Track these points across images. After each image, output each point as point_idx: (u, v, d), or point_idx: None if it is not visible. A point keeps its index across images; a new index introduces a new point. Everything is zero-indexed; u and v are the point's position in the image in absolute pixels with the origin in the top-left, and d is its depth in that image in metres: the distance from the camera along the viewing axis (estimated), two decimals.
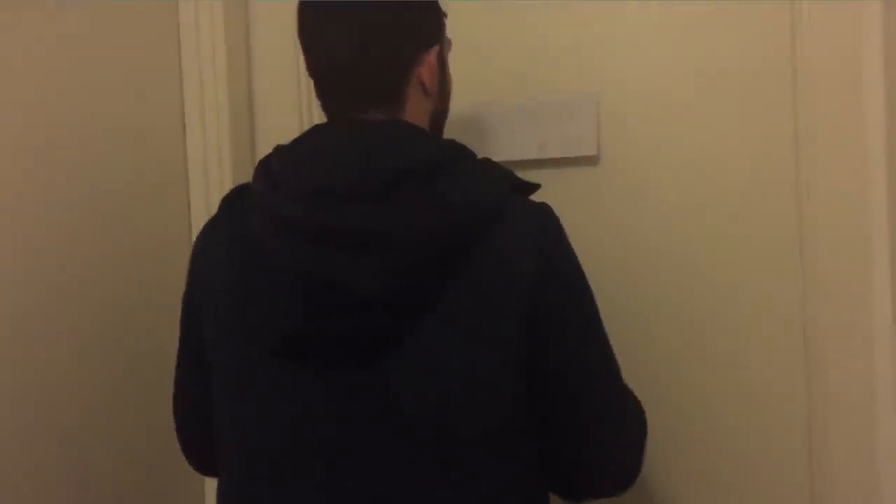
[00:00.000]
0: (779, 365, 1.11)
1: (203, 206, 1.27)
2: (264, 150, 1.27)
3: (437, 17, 0.91)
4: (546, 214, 0.82)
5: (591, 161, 1.17)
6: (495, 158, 1.16)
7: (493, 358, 0.78)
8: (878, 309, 1.05)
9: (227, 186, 1.25)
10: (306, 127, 1.24)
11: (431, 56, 0.87)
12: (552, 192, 1.13)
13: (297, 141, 0.84)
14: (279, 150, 0.85)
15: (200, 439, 0.92)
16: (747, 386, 1.13)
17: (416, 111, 0.87)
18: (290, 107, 1.28)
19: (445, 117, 0.95)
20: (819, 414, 1.09)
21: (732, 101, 1.12)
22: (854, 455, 1.07)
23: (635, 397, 0.87)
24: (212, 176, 1.28)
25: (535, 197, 0.86)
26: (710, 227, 1.13)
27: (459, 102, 1.17)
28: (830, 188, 1.07)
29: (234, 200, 0.87)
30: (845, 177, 1.06)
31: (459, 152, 0.82)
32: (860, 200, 1.05)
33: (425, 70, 0.86)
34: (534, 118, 1.19)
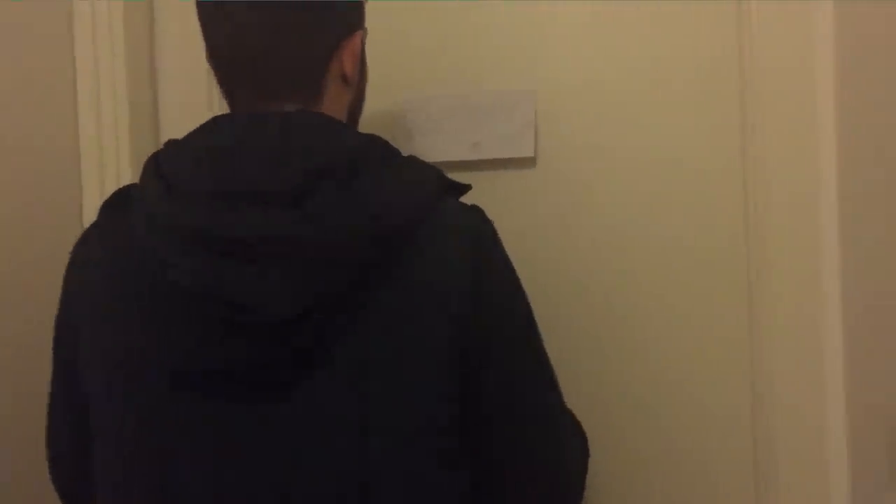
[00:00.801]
0: (724, 366, 1.07)
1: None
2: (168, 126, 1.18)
3: (359, 1, 0.81)
4: (479, 219, 0.76)
5: (527, 163, 1.10)
6: (425, 159, 1.09)
7: (422, 386, 0.69)
8: (828, 308, 1.01)
9: (125, 171, 1.16)
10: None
11: (355, 42, 0.78)
12: (486, 195, 1.09)
13: (193, 134, 0.73)
14: (172, 145, 0.74)
15: (78, 487, 0.80)
16: (691, 391, 1.08)
17: (334, 103, 0.78)
18: (200, 89, 1.16)
19: (362, 108, 0.87)
20: (765, 425, 1.05)
21: (677, 100, 1.07)
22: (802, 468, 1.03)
23: (577, 421, 0.79)
24: (108, 179, 1.15)
25: (468, 200, 0.78)
26: (654, 231, 1.08)
27: (386, 98, 1.10)
28: (779, 184, 1.03)
29: (118, 205, 0.75)
30: (795, 173, 1.03)
31: (383, 149, 0.74)
32: (810, 199, 1.02)
33: (347, 57, 0.77)
34: (467, 116, 1.11)
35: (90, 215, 1.13)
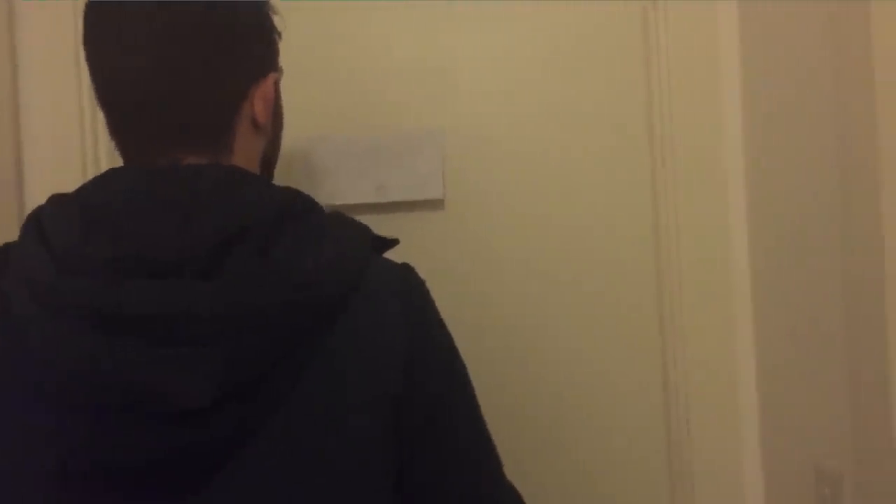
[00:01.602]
0: (639, 393, 1.05)
1: None
2: (34, 194, 1.06)
3: (275, 39, 0.73)
4: (410, 280, 0.69)
5: (436, 205, 1.06)
6: (325, 202, 1.04)
7: (356, 471, 0.62)
8: (739, 331, 1.03)
9: None
10: (94, 163, 1.04)
11: (267, 85, 0.69)
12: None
13: (82, 191, 0.62)
14: (56, 202, 0.63)
15: None
16: (609, 437, 1.05)
17: (245, 152, 0.69)
18: (70, 121, 1.05)
19: (277, 158, 0.78)
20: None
21: (588, 137, 1.05)
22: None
23: (517, 493, 0.72)
24: None
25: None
26: (568, 273, 1.05)
27: (286, 137, 1.01)
28: (691, 232, 1.03)
29: None
30: (705, 198, 1.03)
31: (305, 205, 0.65)
32: (720, 225, 1.03)
33: (259, 102, 0.68)
34: (371, 157, 1.05)
35: None
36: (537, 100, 1.05)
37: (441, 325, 0.70)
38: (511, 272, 1.05)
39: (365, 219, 1.03)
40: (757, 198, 1.00)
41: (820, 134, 0.86)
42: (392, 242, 0.71)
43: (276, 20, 0.73)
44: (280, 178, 1.02)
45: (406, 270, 0.70)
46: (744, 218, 1.02)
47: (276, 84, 0.72)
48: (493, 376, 1.04)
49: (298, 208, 0.64)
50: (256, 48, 0.69)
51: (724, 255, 1.02)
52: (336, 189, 1.05)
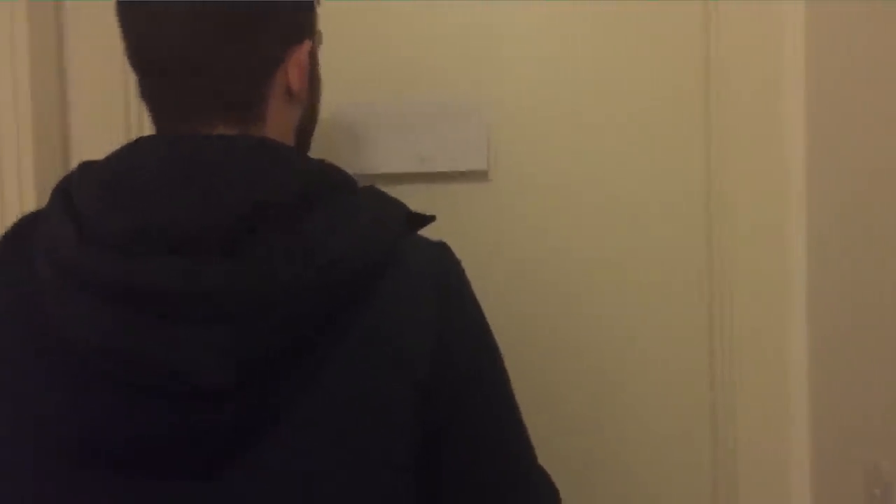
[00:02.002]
0: (685, 385, 1.01)
1: None
2: (80, 151, 1.06)
3: (311, 3, 0.71)
4: (444, 260, 0.66)
5: (479, 176, 1.02)
6: (367, 171, 1.02)
7: (378, 457, 0.60)
8: (794, 329, 0.98)
9: (29, 203, 1.01)
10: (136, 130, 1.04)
11: (302, 52, 0.67)
12: (435, 211, 0.99)
13: (110, 159, 0.61)
14: (84, 170, 0.61)
15: None
16: (651, 429, 1.01)
17: (279, 123, 0.67)
18: (114, 94, 1.04)
19: (313, 129, 0.76)
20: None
21: (636, 107, 1.01)
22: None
23: (550, 480, 0.70)
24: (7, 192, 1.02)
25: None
26: (614, 247, 1.02)
27: (325, 103, 1.00)
28: (744, 197, 0.99)
29: (21, 238, 0.63)
30: (761, 185, 0.98)
31: (337, 180, 0.63)
32: (777, 211, 0.98)
33: (293, 70, 0.66)
34: (414, 126, 1.02)
35: None
36: (588, 72, 1.01)
37: (474, 307, 0.67)
38: (556, 247, 1.02)
39: (407, 189, 1.03)
40: (817, 195, 0.95)
41: (886, 135, 0.80)
42: (428, 219, 0.69)
43: None
44: (321, 145, 1.01)
45: (441, 249, 0.67)
46: (803, 212, 0.97)
47: (313, 51, 0.70)
48: (534, 355, 1.02)
49: (329, 183, 0.62)
50: (292, 14, 0.67)
51: (780, 247, 0.98)
52: (378, 158, 1.02)
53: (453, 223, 1.01)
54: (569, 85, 1.01)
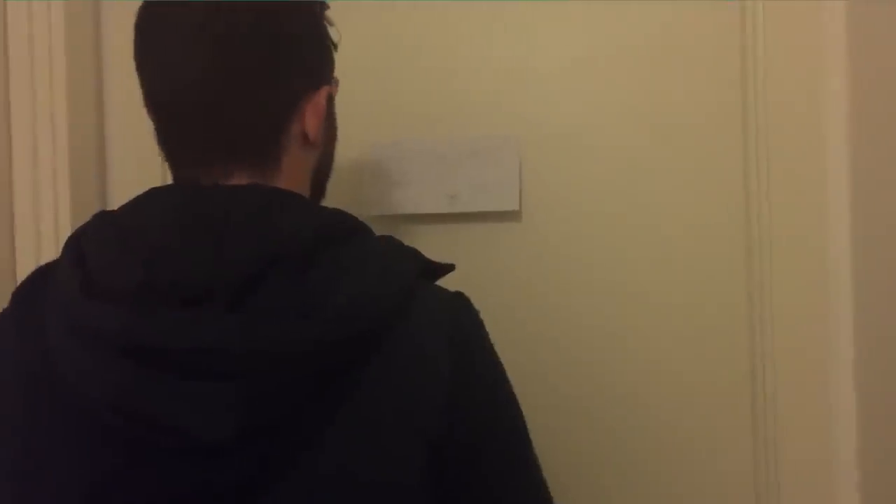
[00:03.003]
0: (728, 434, 0.97)
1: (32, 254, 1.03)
2: (116, 182, 1.07)
3: (328, 49, 0.71)
4: (459, 311, 0.64)
5: (511, 216, 1.00)
6: (396, 211, 1.00)
7: None
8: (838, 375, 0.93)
9: (65, 233, 1.01)
10: None
11: (319, 98, 0.67)
12: (465, 252, 1.00)
13: (125, 210, 0.61)
14: (98, 221, 0.62)
15: None
16: (692, 459, 0.98)
17: (295, 168, 0.66)
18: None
19: (329, 173, 0.75)
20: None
21: (673, 145, 0.98)
22: None
23: None
24: (43, 223, 1.04)
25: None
26: (652, 290, 0.98)
27: (353, 143, 1.00)
28: (785, 215, 0.95)
29: (32, 292, 0.63)
30: (803, 231, 0.94)
31: (347, 227, 0.62)
32: (819, 222, 0.94)
33: (310, 115, 0.66)
34: (443, 165, 1.00)
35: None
36: (622, 104, 0.99)
37: (489, 359, 0.65)
38: (591, 288, 0.99)
39: (436, 229, 1.01)
40: (861, 205, 0.91)
41: None
42: (447, 268, 0.67)
43: (332, 31, 0.71)
44: (348, 185, 1.01)
45: (457, 301, 0.65)
46: (846, 223, 0.92)
47: (330, 96, 0.70)
48: (572, 394, 0.99)
49: (340, 234, 0.61)
50: (309, 60, 0.67)
51: (822, 261, 0.93)
52: (407, 198, 1.01)
53: (484, 264, 0.99)
54: (603, 121, 0.99)
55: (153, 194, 0.62)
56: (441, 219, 1.00)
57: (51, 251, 1.03)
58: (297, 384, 0.56)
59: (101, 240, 0.59)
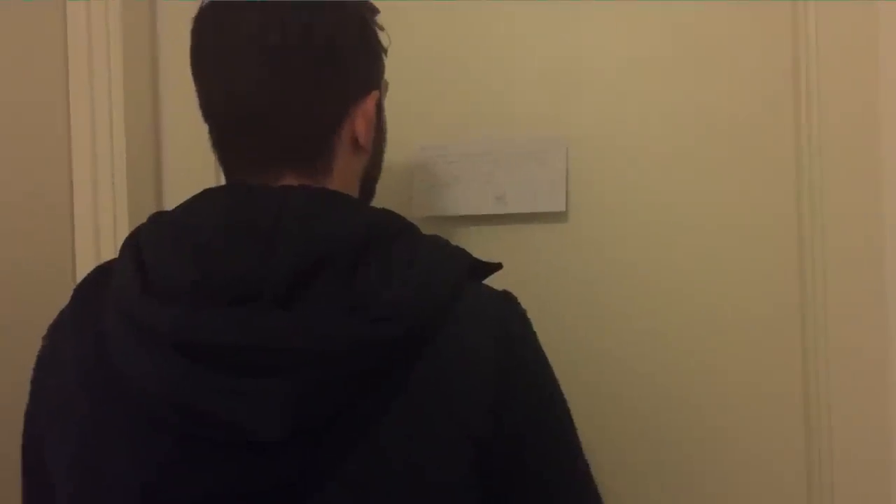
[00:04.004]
0: (778, 451, 0.95)
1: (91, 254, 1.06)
2: (172, 175, 1.10)
3: (379, 55, 0.72)
4: (506, 310, 0.65)
5: (558, 218, 1.00)
6: (443, 213, 1.00)
7: None
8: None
9: (122, 233, 1.05)
10: None
11: (369, 104, 0.69)
12: (512, 253, 1.00)
13: (180, 211, 0.64)
14: (154, 221, 0.64)
15: None
16: (744, 470, 0.96)
17: (345, 173, 0.68)
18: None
19: (378, 177, 0.77)
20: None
21: (721, 147, 0.96)
22: None
23: None
24: (102, 223, 1.07)
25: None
26: (699, 292, 0.97)
27: (401, 146, 1.01)
28: (841, 243, 0.92)
29: (92, 289, 0.65)
30: (858, 231, 0.92)
31: (395, 226, 0.63)
32: (874, 226, 0.91)
33: (360, 121, 0.68)
34: (491, 166, 1.01)
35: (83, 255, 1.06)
36: (671, 105, 0.98)
37: (536, 358, 0.65)
38: (637, 291, 0.98)
39: (483, 230, 1.02)
40: None
41: None
42: (495, 267, 0.68)
43: (382, 36, 0.72)
44: (396, 186, 1.02)
45: (504, 300, 0.66)
46: None
47: (380, 102, 0.71)
48: (620, 396, 0.98)
49: (388, 233, 0.62)
50: (359, 67, 0.69)
51: (879, 272, 0.91)
52: (454, 199, 1.01)
53: (530, 265, 0.99)
54: (650, 121, 0.98)
55: (206, 195, 0.64)
56: (488, 220, 1.00)
57: (109, 250, 1.06)
58: (347, 381, 0.57)
59: (156, 240, 0.61)
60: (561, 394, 0.66)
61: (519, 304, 0.66)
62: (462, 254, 0.65)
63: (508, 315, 0.64)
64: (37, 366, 0.67)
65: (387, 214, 0.64)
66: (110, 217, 1.08)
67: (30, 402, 0.68)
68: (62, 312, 0.68)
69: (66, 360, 0.64)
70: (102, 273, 0.66)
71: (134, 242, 0.63)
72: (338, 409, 0.57)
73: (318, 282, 0.57)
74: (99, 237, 1.08)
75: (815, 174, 0.94)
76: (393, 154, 1.00)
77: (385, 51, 0.73)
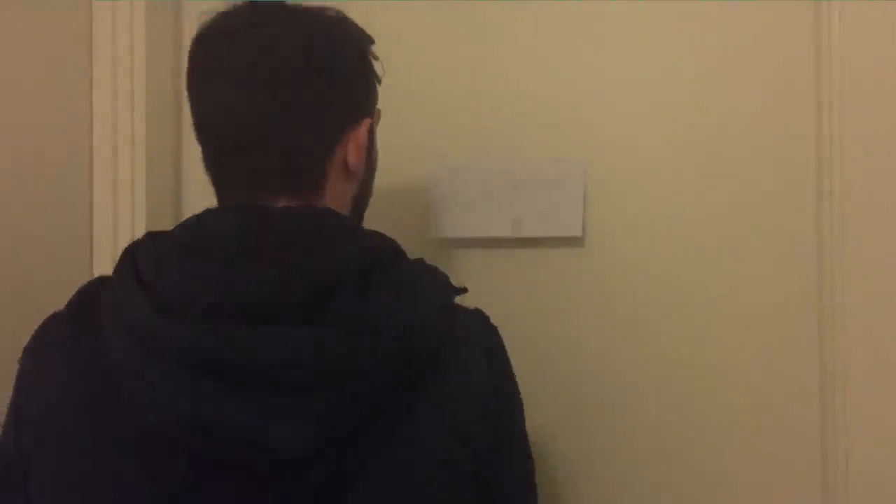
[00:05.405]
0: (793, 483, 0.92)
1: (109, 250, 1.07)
2: (193, 172, 1.10)
3: (373, 84, 0.74)
4: (488, 327, 0.71)
5: (574, 242, 0.99)
6: (458, 235, 1.00)
7: None
8: None
9: (140, 228, 1.06)
10: None
11: (361, 130, 0.71)
12: (527, 279, 0.99)
13: (181, 230, 0.64)
14: (153, 241, 0.64)
15: None
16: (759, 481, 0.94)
17: (336, 197, 0.70)
18: None
19: (367, 203, 0.78)
20: None
21: (745, 173, 0.94)
22: None
23: None
24: (121, 222, 1.07)
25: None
26: (719, 321, 0.95)
27: (416, 167, 1.01)
28: (863, 270, 0.90)
29: (88, 307, 0.64)
30: (881, 271, 0.89)
31: (392, 249, 0.66)
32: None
33: (352, 147, 0.70)
34: (507, 189, 1.00)
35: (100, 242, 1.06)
36: (690, 129, 0.96)
37: (511, 370, 0.72)
38: (654, 318, 0.96)
39: (498, 254, 1.01)
40: None
41: None
42: (461, 291, 0.71)
43: (377, 65, 0.74)
44: (412, 207, 1.01)
45: (482, 316, 0.71)
46: None
47: (371, 129, 0.73)
48: (635, 419, 0.97)
49: (388, 256, 0.65)
50: (353, 94, 0.71)
51: None
52: (470, 221, 1.00)
53: (546, 290, 0.98)
54: (670, 146, 0.96)
55: (210, 215, 0.64)
56: (504, 243, 0.99)
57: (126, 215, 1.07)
58: (366, 398, 0.59)
59: (162, 259, 0.61)
60: (521, 399, 0.73)
61: (491, 321, 0.71)
62: (445, 276, 0.69)
63: (489, 330, 0.70)
64: (18, 381, 0.65)
65: (385, 238, 0.66)
66: (129, 220, 1.09)
67: (6, 430, 0.66)
68: (52, 319, 0.67)
69: (57, 374, 0.62)
70: (94, 290, 0.65)
71: (131, 262, 0.62)
72: (359, 424, 0.59)
73: (334, 302, 0.59)
74: (116, 246, 1.08)
75: (837, 202, 0.91)
76: (408, 175, 1.01)
77: (379, 80, 0.75)
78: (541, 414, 0.95)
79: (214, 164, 0.68)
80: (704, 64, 0.95)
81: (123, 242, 1.07)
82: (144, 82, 1.08)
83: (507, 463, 0.69)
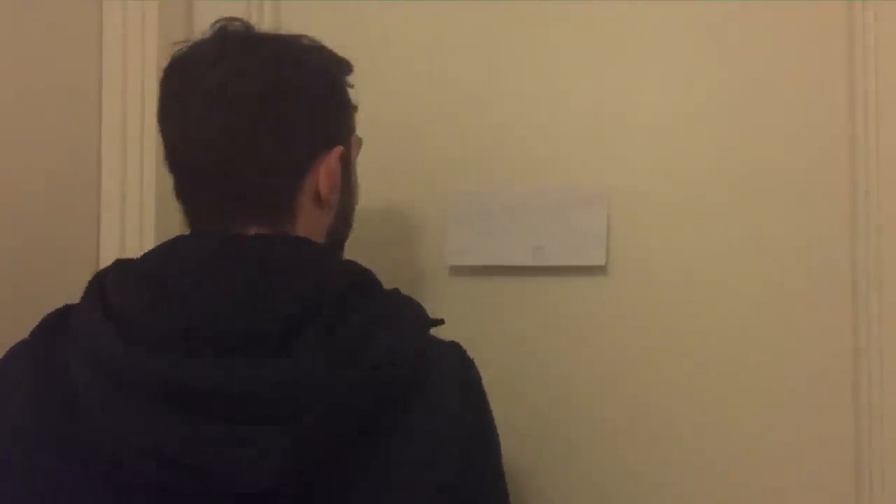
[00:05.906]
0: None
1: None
2: None
3: (347, 111, 0.73)
4: (465, 359, 0.70)
5: (597, 271, 0.97)
6: (478, 262, 0.98)
7: None
8: None
9: (148, 230, 1.06)
10: None
11: (332, 158, 0.70)
12: (548, 308, 0.97)
13: (150, 257, 0.63)
14: (121, 269, 0.63)
15: None
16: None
17: (309, 227, 0.69)
18: None
19: (347, 236, 0.77)
20: None
21: (775, 201, 0.92)
22: None
23: None
24: (129, 217, 1.06)
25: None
26: (745, 361, 0.92)
27: (438, 192, 1.01)
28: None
29: (56, 330, 0.63)
30: None
31: (367, 278, 0.66)
32: None
33: (323, 174, 0.69)
34: (529, 216, 0.98)
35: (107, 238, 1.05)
36: (716, 156, 0.93)
37: (487, 404, 0.70)
38: (678, 349, 0.94)
39: (519, 282, 0.98)
40: None
41: None
42: (438, 322, 0.69)
43: (352, 93, 0.74)
44: (432, 234, 0.99)
45: (458, 348, 0.70)
46: None
47: (345, 157, 0.72)
48: (662, 448, 0.94)
49: (363, 285, 0.64)
50: (324, 122, 0.70)
51: None
52: (490, 248, 0.99)
53: (568, 320, 0.96)
54: (696, 173, 0.94)
55: (181, 242, 0.64)
56: (525, 271, 0.97)
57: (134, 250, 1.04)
58: (336, 432, 0.58)
59: (127, 288, 0.60)
60: (496, 432, 0.71)
61: (468, 354, 0.70)
62: (421, 307, 0.68)
63: (465, 362, 0.69)
64: None
65: (360, 267, 0.66)
66: (136, 222, 1.07)
67: None
68: (15, 350, 0.65)
69: (16, 406, 0.61)
70: (60, 319, 0.64)
71: (98, 290, 0.61)
72: (329, 455, 0.58)
73: (309, 331, 0.58)
74: (124, 240, 1.06)
75: (872, 231, 0.88)
76: (428, 200, 0.99)
77: (355, 108, 0.75)
78: (563, 445, 0.94)
79: (183, 191, 0.68)
80: (732, 86, 0.93)
81: (131, 244, 1.07)
82: (154, 83, 1.06)
83: (483, 499, 0.67)
